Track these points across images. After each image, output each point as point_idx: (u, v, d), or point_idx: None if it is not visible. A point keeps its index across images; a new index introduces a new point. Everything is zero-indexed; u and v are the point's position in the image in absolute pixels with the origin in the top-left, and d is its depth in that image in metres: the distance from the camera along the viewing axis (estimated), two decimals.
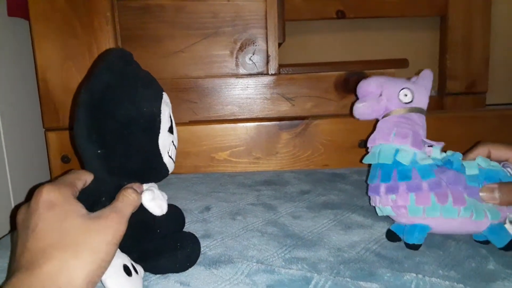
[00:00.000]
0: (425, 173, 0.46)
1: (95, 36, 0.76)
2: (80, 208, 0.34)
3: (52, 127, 0.78)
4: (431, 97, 1.25)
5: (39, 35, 0.76)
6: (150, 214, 0.41)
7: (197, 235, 0.46)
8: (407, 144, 0.48)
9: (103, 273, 0.33)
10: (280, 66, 0.84)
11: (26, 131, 0.81)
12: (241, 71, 0.85)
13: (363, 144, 0.79)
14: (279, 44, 0.86)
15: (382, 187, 0.49)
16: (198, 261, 0.43)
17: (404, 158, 0.47)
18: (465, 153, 0.50)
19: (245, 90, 0.83)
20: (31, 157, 0.82)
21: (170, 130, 0.42)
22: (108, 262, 0.33)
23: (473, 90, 1.20)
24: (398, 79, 0.53)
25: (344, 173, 0.74)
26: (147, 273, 0.40)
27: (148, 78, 0.42)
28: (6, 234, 0.54)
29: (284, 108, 0.84)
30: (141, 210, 0.40)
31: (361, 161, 0.55)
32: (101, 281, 0.34)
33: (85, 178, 0.40)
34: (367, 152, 0.54)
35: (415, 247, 0.45)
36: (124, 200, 0.36)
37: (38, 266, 0.29)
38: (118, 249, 0.37)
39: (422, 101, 0.52)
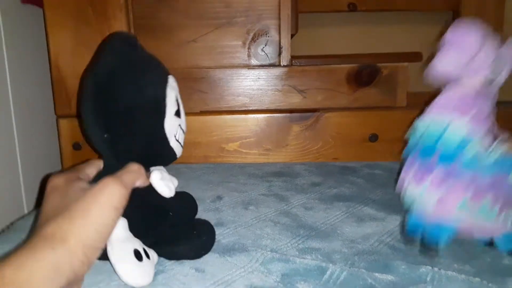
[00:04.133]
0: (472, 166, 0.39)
1: (108, 24, 0.76)
2: (82, 184, 0.35)
3: (64, 114, 0.79)
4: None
5: (52, 22, 0.76)
6: (161, 197, 0.41)
7: None
8: (464, 118, 0.40)
9: (103, 238, 0.32)
10: (292, 57, 0.83)
11: (38, 119, 0.81)
12: (253, 62, 0.84)
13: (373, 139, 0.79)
14: (292, 36, 0.85)
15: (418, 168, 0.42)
16: (212, 248, 0.43)
17: (453, 134, 0.40)
18: None
19: (256, 81, 0.83)
20: (42, 145, 0.82)
21: (177, 114, 0.41)
22: (107, 226, 0.32)
23: None
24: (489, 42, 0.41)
25: (354, 166, 0.74)
26: (161, 259, 0.41)
27: (153, 62, 0.42)
28: (19, 219, 0.55)
29: (295, 100, 0.83)
30: (152, 193, 0.40)
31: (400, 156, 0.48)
32: (112, 265, 0.34)
33: (97, 165, 0.41)
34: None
35: (434, 250, 0.41)
36: (125, 169, 0.37)
37: (37, 234, 0.30)
38: (131, 234, 0.37)
39: (503, 77, 0.42)
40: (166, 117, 0.40)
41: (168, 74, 0.42)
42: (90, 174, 0.39)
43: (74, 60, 0.77)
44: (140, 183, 0.38)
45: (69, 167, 0.80)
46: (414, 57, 0.81)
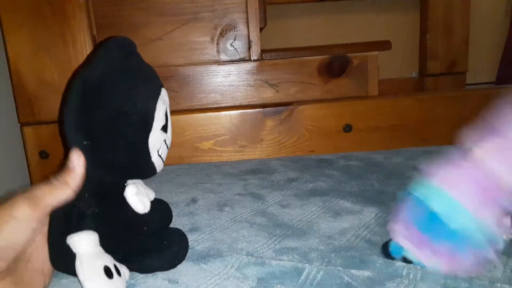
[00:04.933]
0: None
1: (68, 25, 0.73)
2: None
3: (28, 121, 0.75)
4: (412, 79, 1.25)
5: (9, 25, 0.72)
6: (135, 211, 0.39)
7: (184, 229, 0.45)
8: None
9: (5, 252, 0.30)
10: (263, 51, 0.82)
11: (2, 127, 0.77)
12: (223, 57, 0.83)
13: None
14: (261, 29, 0.84)
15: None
16: (186, 256, 0.42)
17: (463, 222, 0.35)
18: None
19: (227, 77, 0.82)
20: (8, 154, 0.79)
21: (164, 129, 0.39)
22: (9, 242, 0.31)
23: (454, 70, 1.21)
24: None
25: (330, 158, 0.74)
26: (134, 272, 0.39)
27: (148, 73, 0.40)
28: None
29: (268, 95, 0.82)
30: (125, 206, 0.38)
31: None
32: (80, 282, 0.33)
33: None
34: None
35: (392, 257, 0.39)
36: (49, 185, 0.34)
37: None
38: (101, 250, 0.35)
39: None
40: (152, 132, 0.38)
41: (161, 87, 0.40)
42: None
43: (35, 64, 0.73)
44: (66, 196, 0.34)
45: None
46: (383, 45, 0.81)
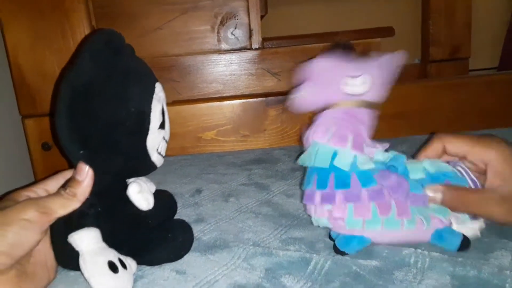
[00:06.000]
0: (366, 179, 0.39)
1: (66, 15, 0.72)
2: (8, 203, 0.34)
3: (29, 114, 0.75)
4: (415, 65, 1.24)
5: (7, 17, 0.71)
6: (135, 207, 0.39)
7: (189, 220, 0.45)
8: (346, 147, 0.40)
9: (14, 252, 0.31)
10: (264, 39, 0.81)
11: (3, 120, 0.77)
12: (224, 46, 0.82)
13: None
14: (262, 17, 0.83)
15: (317, 195, 0.40)
16: (193, 247, 0.42)
17: (343, 163, 0.39)
18: (420, 148, 0.43)
19: (228, 66, 0.81)
20: (11, 147, 0.78)
21: (162, 126, 0.39)
22: (18, 242, 0.31)
23: (456, 56, 1.20)
24: (350, 62, 0.42)
25: None
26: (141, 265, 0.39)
27: (139, 70, 0.38)
28: None
29: (270, 84, 0.82)
30: (129, 204, 0.38)
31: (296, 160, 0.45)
32: (86, 279, 0.33)
33: (64, 176, 0.38)
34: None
35: (344, 253, 0.40)
36: (58, 193, 0.35)
37: None
38: (104, 245, 0.35)
39: (375, 94, 0.42)
40: (149, 133, 0.37)
41: (155, 81, 0.38)
42: (51, 188, 0.37)
43: (34, 56, 0.73)
44: (74, 207, 0.35)
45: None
46: (386, 32, 0.80)
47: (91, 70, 0.34)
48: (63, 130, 0.35)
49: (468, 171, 0.40)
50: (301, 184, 0.48)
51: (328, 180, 0.40)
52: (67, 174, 0.38)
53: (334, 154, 0.40)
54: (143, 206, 0.39)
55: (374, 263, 0.38)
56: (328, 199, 0.40)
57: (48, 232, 0.36)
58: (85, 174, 0.35)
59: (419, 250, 0.39)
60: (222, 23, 0.80)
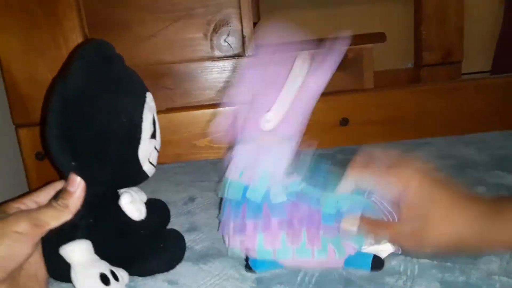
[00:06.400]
0: (276, 210, 0.39)
1: (59, 24, 0.72)
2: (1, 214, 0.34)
3: (23, 123, 0.75)
4: (407, 70, 1.24)
5: (0, 26, 0.71)
6: (127, 217, 0.39)
7: (182, 229, 0.45)
8: (257, 184, 0.39)
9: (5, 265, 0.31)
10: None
11: None
12: (217, 53, 0.82)
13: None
14: (254, 24, 0.83)
15: (231, 226, 0.40)
16: (185, 257, 0.42)
17: (255, 195, 0.39)
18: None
19: (222, 73, 0.81)
20: (3, 156, 0.78)
21: (153, 135, 0.39)
22: (9, 254, 0.31)
23: (449, 60, 1.21)
24: (276, 87, 0.41)
25: (328, 153, 0.74)
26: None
27: (130, 80, 0.38)
28: None
29: None
30: (121, 214, 0.38)
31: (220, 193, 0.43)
32: None
33: (55, 188, 0.38)
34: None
35: (253, 271, 0.40)
36: (50, 205, 0.35)
37: None
38: (95, 257, 0.35)
39: (290, 127, 0.41)
40: (140, 143, 0.37)
41: (146, 91, 0.38)
42: (42, 200, 0.37)
43: (27, 65, 0.73)
44: (66, 218, 0.35)
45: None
46: (378, 38, 0.81)
47: (81, 80, 0.35)
48: (53, 141, 0.35)
49: (383, 202, 0.40)
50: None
51: (240, 210, 0.40)
52: (58, 185, 0.38)
53: (245, 188, 0.39)
54: (135, 216, 0.39)
55: (364, 270, 0.38)
56: (239, 230, 0.39)
57: (39, 244, 0.36)
58: (77, 185, 0.35)
59: (408, 258, 0.39)
60: (215, 30, 0.81)
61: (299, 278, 0.38)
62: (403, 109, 0.82)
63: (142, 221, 0.40)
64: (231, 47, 0.81)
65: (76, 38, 0.72)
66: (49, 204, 0.35)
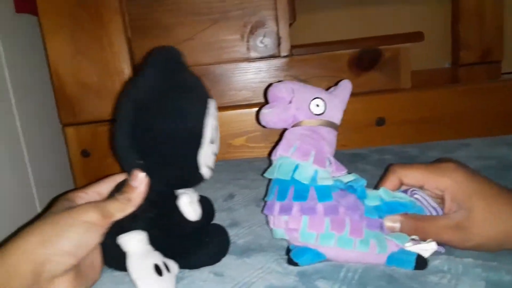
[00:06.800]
0: (323, 194, 0.40)
1: (104, 28, 0.76)
2: (68, 203, 0.36)
3: (69, 122, 0.79)
4: (444, 70, 1.22)
5: (49, 30, 0.76)
6: (183, 217, 0.40)
7: (224, 224, 0.47)
8: (308, 161, 0.42)
9: (73, 251, 0.32)
10: (292, 47, 0.82)
11: (45, 129, 0.81)
12: (253, 54, 0.84)
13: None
14: (290, 24, 0.84)
15: (276, 207, 0.42)
16: (229, 250, 0.43)
17: (303, 176, 0.41)
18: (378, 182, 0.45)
19: (257, 74, 0.83)
20: (51, 154, 0.83)
21: (213, 141, 0.40)
22: (78, 242, 0.33)
23: (488, 59, 1.17)
24: (312, 87, 0.46)
25: (363, 153, 0.74)
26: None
27: (196, 87, 0.40)
28: None
29: None
30: (178, 212, 0.40)
31: (262, 174, 0.47)
32: (132, 281, 0.35)
33: (115, 180, 0.41)
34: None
35: (296, 265, 0.40)
36: (116, 198, 0.37)
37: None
38: (150, 248, 0.37)
39: (335, 116, 0.45)
40: (201, 148, 0.38)
41: (209, 98, 0.40)
42: (103, 191, 0.40)
43: (74, 67, 0.77)
44: (129, 211, 0.37)
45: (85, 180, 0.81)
46: (415, 37, 0.80)
47: (152, 85, 0.37)
48: (123, 141, 0.37)
49: (428, 198, 0.40)
50: (264, 196, 0.48)
51: (288, 192, 0.41)
52: (118, 178, 0.41)
53: (296, 168, 0.42)
54: (191, 217, 0.41)
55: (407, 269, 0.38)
56: (285, 210, 0.41)
57: None
58: (141, 181, 0.37)
59: (452, 257, 0.39)
60: (251, 32, 0.82)
61: (342, 273, 0.38)
62: (441, 109, 0.81)
63: (197, 222, 0.41)
64: (266, 48, 0.83)
65: (120, 41, 0.75)
66: (113, 197, 0.38)
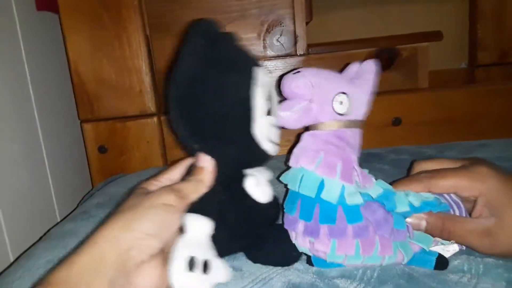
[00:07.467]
0: (353, 215, 0.37)
1: (123, 27, 0.77)
2: (143, 190, 0.36)
3: (87, 118, 0.80)
4: (461, 70, 1.21)
5: (69, 28, 0.77)
6: (253, 200, 0.39)
7: None
8: (335, 179, 0.38)
9: (142, 246, 0.31)
10: (309, 46, 0.82)
11: (62, 124, 0.83)
12: (269, 53, 0.84)
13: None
14: (307, 23, 0.84)
15: (300, 225, 0.39)
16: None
17: (330, 195, 0.37)
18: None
19: (274, 72, 0.83)
20: (69, 149, 0.84)
21: (270, 112, 0.37)
22: (157, 224, 0.32)
23: (506, 60, 1.16)
24: (333, 76, 0.40)
25: (380, 152, 0.73)
26: None
27: (237, 57, 0.37)
28: (53, 227, 0.56)
29: None
30: (248, 196, 0.39)
31: (278, 178, 0.43)
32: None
33: (186, 165, 0.40)
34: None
35: (313, 265, 0.40)
36: (190, 179, 0.37)
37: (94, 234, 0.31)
38: (205, 240, 0.35)
39: (360, 111, 0.40)
40: (255, 122, 0.36)
41: (255, 67, 0.37)
42: (175, 177, 0.39)
43: (93, 64, 0.78)
44: (203, 191, 0.37)
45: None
46: (433, 36, 0.80)
47: (190, 66, 0.36)
48: (178, 127, 0.37)
49: (453, 197, 0.39)
50: (283, 202, 0.43)
51: (313, 211, 0.38)
52: (188, 163, 0.40)
53: (321, 184, 0.38)
54: (260, 199, 0.39)
55: (423, 269, 0.38)
56: (311, 232, 0.38)
57: None
58: (206, 162, 0.37)
59: (472, 257, 0.39)
60: (268, 30, 0.83)
61: (360, 271, 0.38)
62: (458, 110, 0.80)
63: (266, 208, 0.40)
64: (283, 46, 0.83)
65: (139, 39, 0.76)
66: (185, 180, 0.37)
